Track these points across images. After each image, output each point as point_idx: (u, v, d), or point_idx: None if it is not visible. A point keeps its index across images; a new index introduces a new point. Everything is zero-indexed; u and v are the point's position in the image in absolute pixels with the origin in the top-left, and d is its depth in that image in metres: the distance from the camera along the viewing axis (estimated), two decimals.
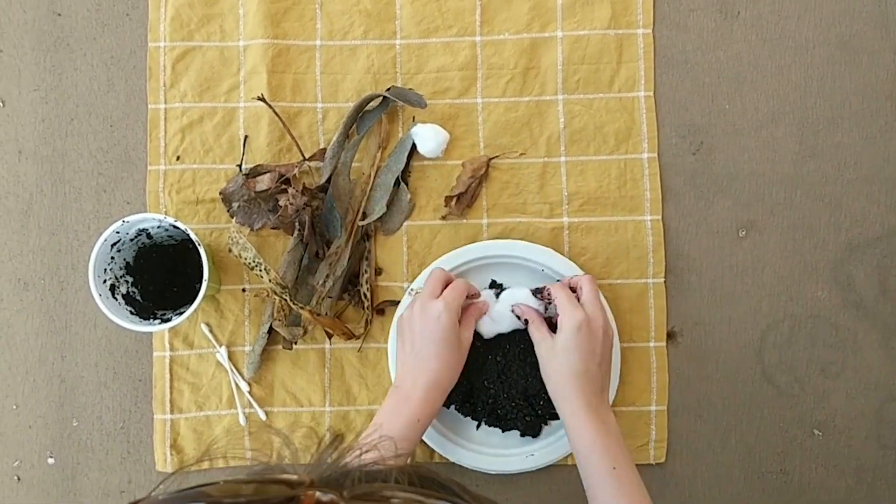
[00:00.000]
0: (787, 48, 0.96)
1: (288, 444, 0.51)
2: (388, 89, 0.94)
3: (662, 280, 0.94)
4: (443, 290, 0.86)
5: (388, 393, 0.86)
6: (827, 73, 0.96)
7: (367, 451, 0.63)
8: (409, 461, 0.80)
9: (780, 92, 0.96)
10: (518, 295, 0.90)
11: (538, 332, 0.86)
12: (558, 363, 0.83)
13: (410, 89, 0.95)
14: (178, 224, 0.83)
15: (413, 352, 0.85)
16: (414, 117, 0.95)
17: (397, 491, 0.44)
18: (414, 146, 0.94)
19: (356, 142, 0.94)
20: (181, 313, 0.85)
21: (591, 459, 0.80)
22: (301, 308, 0.89)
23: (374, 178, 0.94)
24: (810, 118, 0.96)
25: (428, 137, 0.93)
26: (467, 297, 0.88)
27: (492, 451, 0.92)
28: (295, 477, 0.43)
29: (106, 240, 0.83)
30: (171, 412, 0.93)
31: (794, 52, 0.96)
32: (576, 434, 0.81)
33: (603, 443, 0.80)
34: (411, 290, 0.91)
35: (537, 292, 0.89)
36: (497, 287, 0.93)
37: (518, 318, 0.89)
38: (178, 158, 0.95)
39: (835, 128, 0.96)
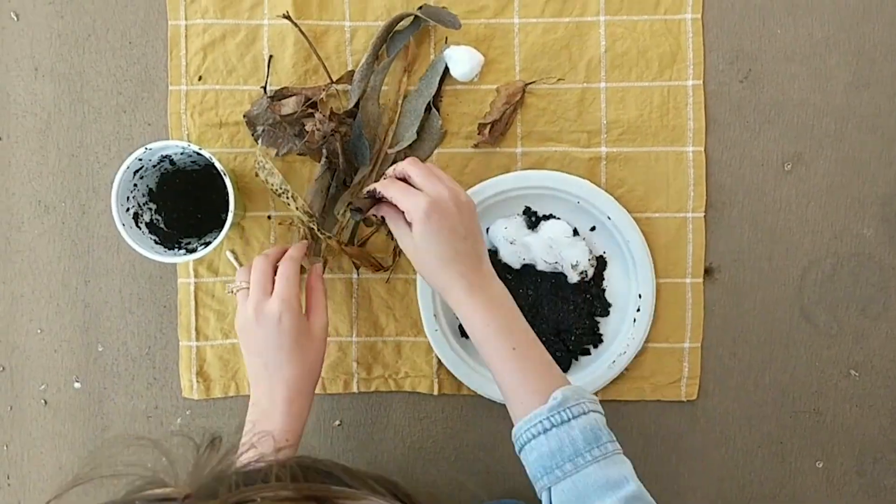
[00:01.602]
0: None
1: (167, 454, 0.49)
2: (420, 8, 0.89)
3: (702, 215, 0.90)
4: (273, 281, 0.78)
5: (249, 407, 0.79)
6: None
7: (246, 451, 0.61)
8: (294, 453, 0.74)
9: (836, 16, 0.90)
10: (557, 229, 0.87)
11: (398, 229, 0.78)
12: (423, 256, 0.76)
13: (444, 8, 0.90)
14: (203, 152, 0.79)
15: (261, 360, 0.77)
16: (447, 38, 0.91)
17: (277, 490, 0.43)
18: (446, 69, 0.90)
19: (386, 64, 0.89)
20: (206, 242, 0.83)
21: (488, 345, 0.74)
22: (328, 237, 0.87)
23: (402, 103, 0.90)
24: (866, 45, 0.90)
25: (462, 60, 0.89)
26: (303, 256, 0.82)
27: None
28: (169, 490, 0.42)
29: (128, 167, 0.80)
30: (197, 339, 0.92)
31: None
32: (466, 321, 0.75)
33: (496, 324, 0.74)
34: (231, 290, 0.82)
35: (369, 196, 0.79)
36: (531, 215, 0.90)
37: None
38: (199, 78, 0.91)
39: (892, 56, 0.90)
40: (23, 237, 0.93)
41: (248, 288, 0.79)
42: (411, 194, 0.76)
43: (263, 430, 0.72)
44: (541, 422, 0.69)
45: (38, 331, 0.93)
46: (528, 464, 0.71)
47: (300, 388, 0.77)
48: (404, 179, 0.78)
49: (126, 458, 0.53)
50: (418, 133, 0.89)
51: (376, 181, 0.89)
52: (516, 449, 0.72)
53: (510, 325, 0.75)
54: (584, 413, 0.69)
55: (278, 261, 0.81)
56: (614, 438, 0.70)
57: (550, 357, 0.75)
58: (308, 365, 0.78)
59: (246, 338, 0.79)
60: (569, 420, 0.69)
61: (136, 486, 0.49)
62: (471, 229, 0.76)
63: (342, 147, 0.87)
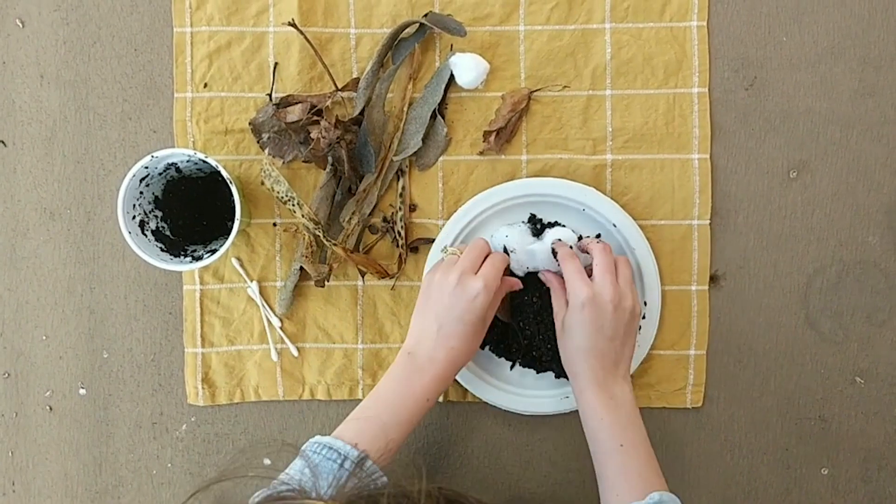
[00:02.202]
0: None
1: (312, 467, 0.50)
2: (426, 15, 0.89)
3: (708, 222, 0.90)
4: (481, 264, 0.81)
5: (399, 356, 0.81)
6: (893, 4, 0.90)
7: (382, 476, 0.62)
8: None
9: (842, 24, 0.90)
10: (562, 237, 0.87)
11: (556, 304, 0.84)
12: (566, 339, 0.81)
13: (449, 15, 0.90)
14: (209, 160, 0.79)
15: (437, 322, 0.79)
16: (452, 46, 0.91)
17: None
18: (451, 77, 0.90)
19: (391, 72, 0.89)
20: (212, 250, 0.83)
21: (597, 437, 0.78)
22: (334, 245, 0.87)
23: (407, 110, 0.90)
24: (872, 53, 0.90)
25: (467, 68, 0.89)
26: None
27: (526, 392, 0.91)
28: (314, 503, 0.43)
29: (134, 175, 0.80)
30: (203, 346, 0.92)
31: None
32: (583, 411, 0.79)
33: (609, 419, 0.77)
34: (445, 249, 0.85)
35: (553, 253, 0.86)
36: (537, 222, 0.90)
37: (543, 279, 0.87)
38: (205, 86, 0.91)
39: None
40: (28, 244, 0.93)
41: (458, 257, 0.82)
42: (578, 281, 0.80)
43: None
44: None
45: (44, 337, 0.93)
46: None
47: (457, 361, 0.80)
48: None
49: (267, 462, 0.54)
50: (423, 140, 0.89)
51: (381, 189, 0.90)
52: None
53: (625, 424, 0.78)
54: None
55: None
56: None
57: (657, 464, 0.78)
58: (472, 347, 0.81)
59: (434, 297, 0.80)
60: None
61: (278, 493, 0.50)
62: (619, 332, 0.80)
63: (348, 154, 0.87)
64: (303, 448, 0.70)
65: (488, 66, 0.90)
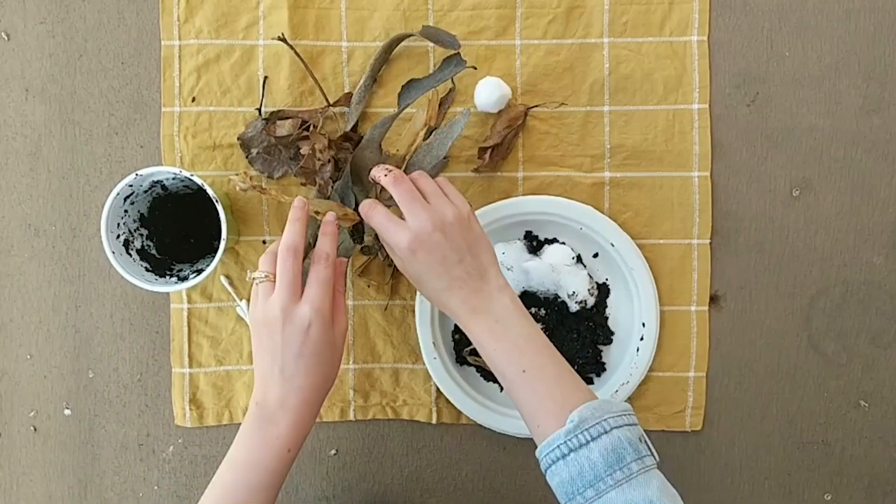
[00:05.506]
0: None
1: None
2: (421, 29, 0.87)
3: (708, 241, 0.88)
4: (302, 279, 0.71)
5: (248, 411, 0.71)
6: None
7: None
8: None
9: (847, 39, 0.88)
10: (559, 254, 0.85)
11: (394, 255, 0.75)
12: (421, 287, 0.74)
13: (439, 27, 0.87)
14: (195, 178, 0.77)
15: (277, 364, 0.70)
16: (453, 84, 0.88)
17: None
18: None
19: (394, 116, 0.83)
20: (198, 270, 0.81)
21: (497, 369, 0.70)
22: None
23: (408, 159, 0.83)
24: (877, 69, 0.88)
25: (489, 92, 0.85)
26: (328, 232, 0.74)
27: (518, 414, 0.88)
28: None
29: (118, 194, 0.78)
30: (190, 366, 0.90)
31: None
32: (477, 347, 0.72)
33: (502, 348, 0.70)
34: (252, 279, 0.72)
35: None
36: (533, 239, 0.88)
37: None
38: (193, 100, 0.89)
39: None
40: (12, 261, 0.91)
41: (272, 281, 0.71)
42: (392, 230, 0.72)
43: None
44: (558, 447, 0.65)
45: (28, 356, 0.91)
46: (553, 488, 0.67)
47: (313, 398, 0.71)
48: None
49: None
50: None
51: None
52: (543, 471, 0.68)
53: (519, 345, 0.70)
54: (606, 432, 0.64)
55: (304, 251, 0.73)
56: (645, 452, 0.65)
57: (572, 373, 0.70)
58: (325, 375, 0.72)
59: (263, 336, 0.71)
60: (587, 443, 0.64)
61: None
62: (465, 249, 0.71)
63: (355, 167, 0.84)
64: None
65: (510, 91, 0.87)
